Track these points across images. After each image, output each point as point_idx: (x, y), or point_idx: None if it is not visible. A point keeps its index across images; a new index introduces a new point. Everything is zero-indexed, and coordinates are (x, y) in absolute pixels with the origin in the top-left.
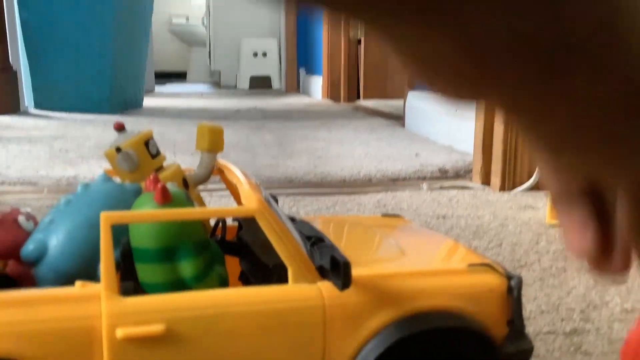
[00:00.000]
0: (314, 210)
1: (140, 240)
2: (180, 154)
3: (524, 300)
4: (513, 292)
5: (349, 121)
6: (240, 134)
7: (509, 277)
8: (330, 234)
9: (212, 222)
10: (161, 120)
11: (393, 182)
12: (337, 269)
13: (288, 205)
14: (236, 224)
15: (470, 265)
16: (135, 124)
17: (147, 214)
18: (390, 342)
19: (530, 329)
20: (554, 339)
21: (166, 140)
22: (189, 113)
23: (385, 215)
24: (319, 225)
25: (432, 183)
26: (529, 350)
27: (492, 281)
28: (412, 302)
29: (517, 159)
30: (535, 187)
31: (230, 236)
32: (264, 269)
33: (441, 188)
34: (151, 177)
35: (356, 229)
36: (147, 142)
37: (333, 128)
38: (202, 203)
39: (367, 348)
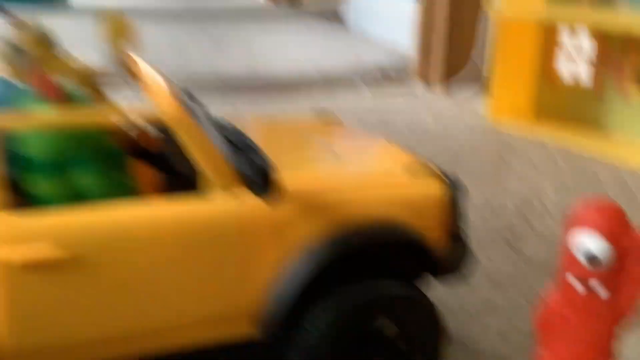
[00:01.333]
0: (249, 112)
1: (30, 147)
2: (89, 50)
3: (464, 205)
4: (453, 199)
5: (290, 23)
6: (175, 35)
7: (449, 184)
8: (261, 138)
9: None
10: (83, 19)
11: (333, 84)
12: (259, 177)
13: (222, 108)
14: (153, 129)
15: (408, 166)
16: (54, 21)
17: (38, 118)
18: (322, 257)
19: (469, 235)
20: (495, 245)
21: (75, 37)
22: (119, 11)
23: (318, 113)
24: (249, 129)
25: (373, 85)
26: (470, 259)
27: (431, 189)
28: (346, 214)
29: (459, 61)
30: (478, 89)
31: (146, 143)
32: (181, 178)
33: (383, 91)
34: (40, 73)
35: (289, 132)
36: (43, 38)
37: (274, 30)
38: (106, 102)
39: (297, 264)
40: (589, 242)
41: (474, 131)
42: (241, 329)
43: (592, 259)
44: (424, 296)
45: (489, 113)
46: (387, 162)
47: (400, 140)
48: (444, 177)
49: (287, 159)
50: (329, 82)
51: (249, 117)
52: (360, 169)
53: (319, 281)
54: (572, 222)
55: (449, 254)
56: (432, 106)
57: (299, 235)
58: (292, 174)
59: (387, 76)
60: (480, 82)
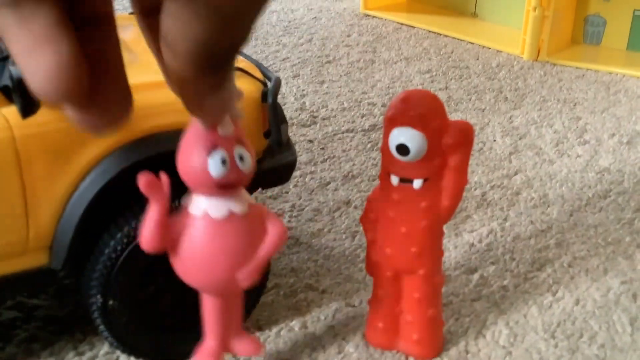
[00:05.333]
0: None
1: None
2: None
3: (326, 98)
4: (268, 98)
5: None
6: None
7: (264, 82)
8: None
9: None
10: None
11: None
12: (17, 89)
13: None
14: None
15: None
16: None
17: None
18: (112, 173)
19: (329, 128)
20: (352, 137)
21: None
22: None
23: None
24: None
25: None
26: (291, 163)
27: (240, 88)
28: (137, 123)
29: None
30: None
31: None
32: None
33: None
34: None
35: None
36: None
37: None
38: None
39: (85, 183)
40: (398, 132)
41: (345, 20)
42: (34, 260)
43: (400, 147)
44: None
45: (363, 1)
46: None
47: (268, 32)
48: (260, 76)
49: None
50: None
51: None
52: (152, 72)
53: (116, 200)
54: (387, 117)
55: (268, 159)
56: None
57: (81, 153)
58: None
59: None
60: None
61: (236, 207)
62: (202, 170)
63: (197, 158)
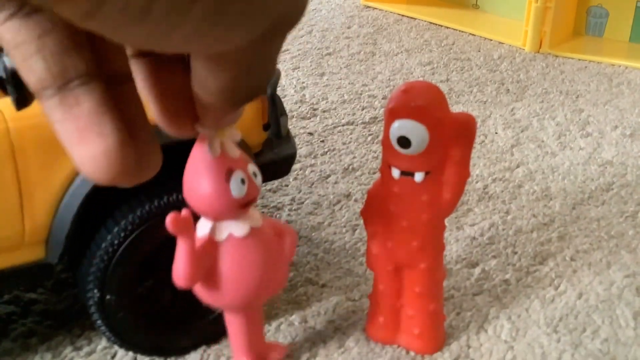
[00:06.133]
0: None
1: None
2: None
3: (326, 90)
4: (267, 90)
5: None
6: None
7: None
8: None
9: None
10: None
11: None
12: (12, 81)
13: None
14: None
15: None
16: None
17: None
18: None
19: (329, 121)
20: (353, 129)
21: None
22: None
23: None
24: None
25: None
26: (291, 156)
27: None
28: None
29: None
30: None
31: None
32: None
33: None
34: None
35: None
36: None
37: None
38: None
39: (82, 175)
40: (399, 125)
41: (345, 11)
42: (30, 254)
43: (401, 140)
44: None
45: None
46: None
47: None
48: None
49: None
50: None
51: None
52: None
53: (113, 193)
54: (388, 109)
55: (267, 152)
56: None
57: None
58: None
59: None
60: None
61: (255, 222)
62: (223, 194)
63: (216, 184)
